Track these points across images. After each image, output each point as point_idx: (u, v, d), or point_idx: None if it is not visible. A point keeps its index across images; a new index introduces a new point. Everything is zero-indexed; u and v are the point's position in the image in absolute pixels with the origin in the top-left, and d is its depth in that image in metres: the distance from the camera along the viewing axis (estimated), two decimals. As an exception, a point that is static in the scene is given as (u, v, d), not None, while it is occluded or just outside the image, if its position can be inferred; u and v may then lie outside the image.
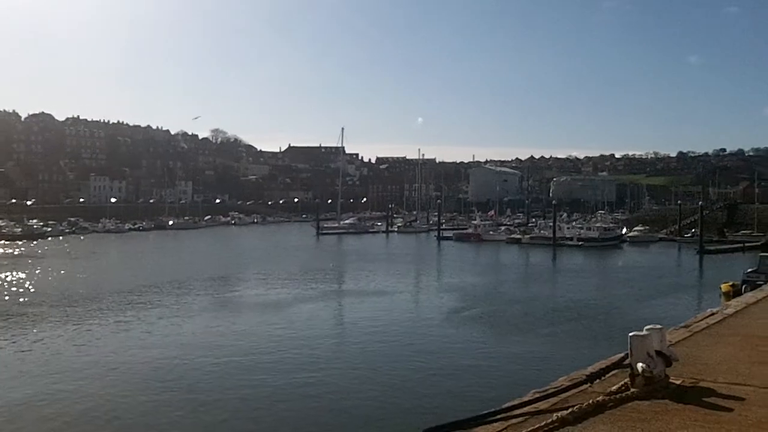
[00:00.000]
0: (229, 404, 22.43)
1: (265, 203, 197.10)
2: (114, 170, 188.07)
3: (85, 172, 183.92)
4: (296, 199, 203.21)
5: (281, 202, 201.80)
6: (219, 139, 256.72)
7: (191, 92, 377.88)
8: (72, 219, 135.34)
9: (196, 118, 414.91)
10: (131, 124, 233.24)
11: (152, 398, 23.00)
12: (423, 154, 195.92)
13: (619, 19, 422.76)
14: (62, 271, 62.21)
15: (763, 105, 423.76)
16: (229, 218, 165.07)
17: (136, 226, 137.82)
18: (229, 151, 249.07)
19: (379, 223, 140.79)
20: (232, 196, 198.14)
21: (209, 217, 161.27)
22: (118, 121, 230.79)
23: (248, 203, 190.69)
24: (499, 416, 5.13)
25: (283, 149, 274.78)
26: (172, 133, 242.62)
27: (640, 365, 5.54)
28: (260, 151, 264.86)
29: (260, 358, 28.72)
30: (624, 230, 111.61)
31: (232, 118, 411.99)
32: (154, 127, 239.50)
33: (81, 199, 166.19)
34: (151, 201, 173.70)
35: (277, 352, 29.89)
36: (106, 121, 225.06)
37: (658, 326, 5.81)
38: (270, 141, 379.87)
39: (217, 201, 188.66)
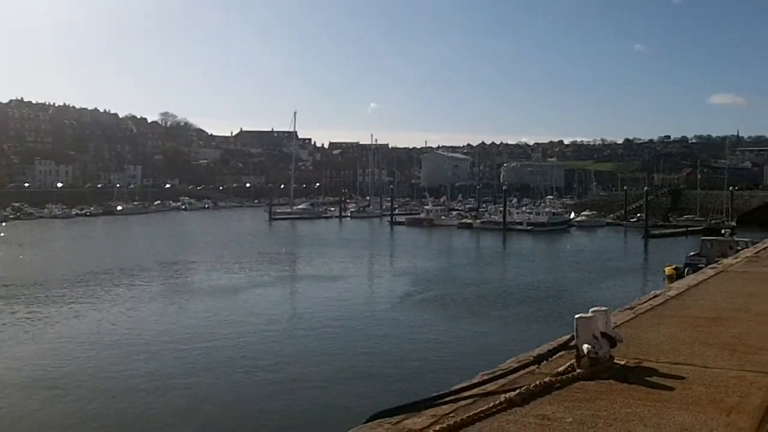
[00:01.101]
0: (181, 389, 22.31)
1: (216, 188, 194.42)
2: (60, 154, 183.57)
3: (29, 155, 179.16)
4: (248, 184, 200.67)
5: (233, 186, 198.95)
6: (168, 123, 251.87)
7: (140, 75, 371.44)
8: (16, 204, 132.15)
9: None
10: (77, 106, 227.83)
11: (102, 385, 22.75)
12: (376, 140, 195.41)
13: (568, 8, 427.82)
14: (7, 258, 60.87)
15: (706, 94, 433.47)
16: (179, 203, 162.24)
17: (84, 211, 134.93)
18: (179, 134, 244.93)
19: (333, 209, 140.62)
20: (183, 181, 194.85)
21: (159, 202, 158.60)
22: (64, 104, 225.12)
23: (199, 188, 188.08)
24: (447, 398, 5.19)
25: (234, 133, 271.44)
26: (120, 116, 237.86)
27: (585, 346, 5.67)
28: (211, 135, 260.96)
29: (212, 344, 28.60)
30: (572, 215, 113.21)
31: (182, 101, 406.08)
32: (102, 110, 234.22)
33: (26, 184, 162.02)
34: (99, 186, 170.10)
35: (230, 338, 29.78)
36: (51, 103, 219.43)
37: (603, 308, 5.95)
38: (221, 125, 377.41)
39: (167, 186, 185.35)
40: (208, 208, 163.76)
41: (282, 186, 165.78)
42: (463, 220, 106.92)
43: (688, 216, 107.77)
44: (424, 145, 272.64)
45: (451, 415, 4.85)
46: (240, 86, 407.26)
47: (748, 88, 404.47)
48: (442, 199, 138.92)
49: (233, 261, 59.56)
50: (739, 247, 34.25)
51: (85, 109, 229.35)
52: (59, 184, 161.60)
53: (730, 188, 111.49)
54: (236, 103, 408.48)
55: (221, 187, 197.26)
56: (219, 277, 49.82)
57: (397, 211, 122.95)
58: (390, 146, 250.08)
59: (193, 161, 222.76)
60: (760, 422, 4.74)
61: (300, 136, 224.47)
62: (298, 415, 20.31)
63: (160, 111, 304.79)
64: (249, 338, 29.78)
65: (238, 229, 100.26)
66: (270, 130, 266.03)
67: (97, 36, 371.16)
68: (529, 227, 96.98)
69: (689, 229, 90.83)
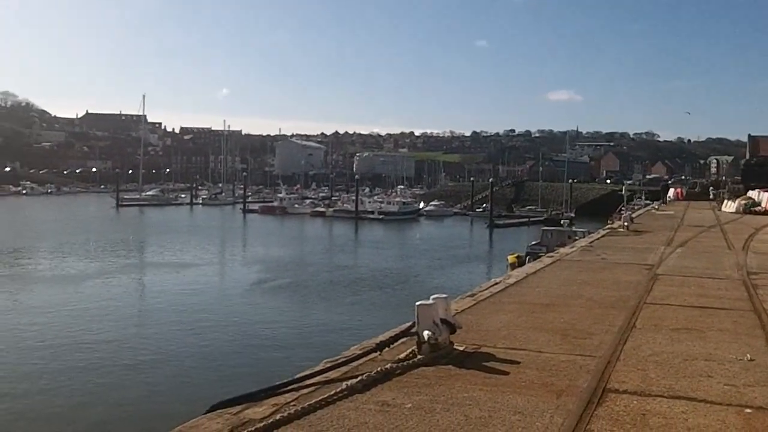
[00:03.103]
0: (18, 382, 21.18)
1: (60, 172, 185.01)
2: None
3: None
4: (94, 169, 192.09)
5: (78, 171, 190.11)
6: (8, 103, 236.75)
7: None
8: None
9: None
10: None
11: None
12: (229, 126, 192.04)
13: (415, 2, 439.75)
14: None
15: (545, 90, 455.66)
16: (20, 188, 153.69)
17: None
18: (19, 115, 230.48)
19: (183, 196, 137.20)
20: (24, 165, 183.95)
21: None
22: None
23: (41, 172, 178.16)
24: (290, 387, 5.18)
25: (80, 115, 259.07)
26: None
27: (426, 333, 5.79)
28: (55, 116, 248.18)
29: (52, 335, 27.21)
30: (421, 204, 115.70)
31: (23, 80, 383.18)
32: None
33: None
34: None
35: (71, 329, 28.42)
36: None
37: (444, 295, 6.10)
38: (66, 107, 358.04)
39: (7, 169, 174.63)
40: (50, 193, 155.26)
41: (130, 171, 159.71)
42: (316, 209, 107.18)
43: (530, 207, 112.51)
44: (278, 133, 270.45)
45: (293, 403, 4.84)
46: (87, 67, 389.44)
47: (583, 86, 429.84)
48: (295, 188, 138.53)
49: (77, 248, 56.79)
50: (576, 237, 36.03)
51: None
52: None
53: (570, 181, 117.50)
54: (82, 84, 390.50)
55: (65, 172, 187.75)
56: (61, 265, 47.35)
57: (249, 199, 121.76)
58: (243, 133, 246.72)
59: (35, 144, 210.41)
60: (587, 404, 5.01)
61: (150, 120, 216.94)
62: (138, 407, 19.65)
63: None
64: (91, 328, 28.53)
65: (83, 216, 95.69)
66: (118, 112, 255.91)
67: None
68: (381, 216, 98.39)
69: (531, 219, 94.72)
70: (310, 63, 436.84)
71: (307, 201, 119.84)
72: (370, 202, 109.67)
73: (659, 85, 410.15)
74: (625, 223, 24.51)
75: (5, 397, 20.26)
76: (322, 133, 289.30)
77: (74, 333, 27.76)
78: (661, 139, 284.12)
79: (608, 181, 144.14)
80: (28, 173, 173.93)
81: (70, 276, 43.03)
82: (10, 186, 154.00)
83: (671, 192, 69.71)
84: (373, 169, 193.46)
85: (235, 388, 6.03)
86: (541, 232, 52.94)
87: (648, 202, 61.61)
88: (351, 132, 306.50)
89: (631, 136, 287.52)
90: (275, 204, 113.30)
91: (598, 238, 21.32)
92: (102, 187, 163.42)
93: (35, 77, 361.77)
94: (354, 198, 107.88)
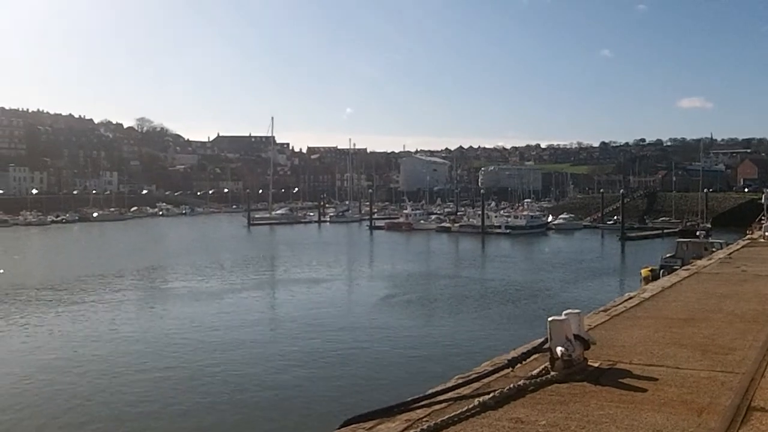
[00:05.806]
0: (159, 395, 22.14)
1: (193, 194, 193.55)
2: (34, 160, 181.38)
3: (3, 162, 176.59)
4: (226, 190, 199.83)
5: (211, 192, 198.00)
6: (144, 128, 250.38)
7: (115, 80, 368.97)
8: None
9: None
10: (52, 112, 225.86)
11: (81, 394, 22.50)
12: (354, 144, 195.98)
13: (535, 13, 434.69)
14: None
15: (674, 98, 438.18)
16: (156, 209, 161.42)
17: (59, 218, 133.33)
18: (155, 140, 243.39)
19: (311, 213, 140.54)
20: (160, 187, 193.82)
21: (136, 208, 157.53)
22: (38, 110, 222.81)
23: (176, 194, 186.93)
24: (422, 403, 5.21)
25: (211, 138, 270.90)
26: (96, 122, 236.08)
27: (559, 349, 5.70)
28: (188, 140, 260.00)
29: (189, 349, 28.38)
30: (550, 218, 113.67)
31: (157, 106, 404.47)
32: (76, 115, 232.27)
33: (0, 191, 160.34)
34: (75, 192, 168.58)
35: (207, 342, 29.57)
36: (24, 109, 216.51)
37: (576, 311, 5.99)
38: (198, 130, 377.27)
39: (144, 192, 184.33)
40: (185, 214, 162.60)
41: (260, 191, 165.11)
42: (442, 224, 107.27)
43: (663, 218, 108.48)
44: (402, 149, 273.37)
45: (425, 419, 4.87)
46: (217, 91, 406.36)
47: (714, 92, 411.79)
48: (421, 204, 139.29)
49: (212, 266, 59.21)
50: (713, 249, 34.51)
51: (60, 114, 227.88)
52: (34, 191, 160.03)
53: (705, 190, 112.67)
54: (213, 107, 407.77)
55: (198, 193, 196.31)
56: (198, 283, 49.49)
57: (375, 216, 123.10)
58: (368, 150, 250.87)
59: (169, 167, 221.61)
60: (731, 422, 4.79)
61: (278, 141, 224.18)
62: (273, 421, 20.17)
63: (135, 116, 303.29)
64: (227, 342, 29.59)
65: (217, 235, 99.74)
66: (247, 135, 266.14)
67: (72, 42, 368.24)
68: (508, 230, 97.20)
69: (665, 230, 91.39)
70: (432, 78, 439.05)
71: (433, 216, 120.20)
72: (496, 216, 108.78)
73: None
74: (766, 233, 23.27)
75: (145, 406, 21.28)
76: (446, 149, 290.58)
77: (210, 347, 28.85)
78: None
79: (746, 189, 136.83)
80: (163, 195, 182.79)
81: (208, 292, 44.86)
82: (147, 207, 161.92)
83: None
84: (499, 182, 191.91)
85: (368, 404, 6.12)
86: (675, 244, 50.89)
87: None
88: (475, 146, 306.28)
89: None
90: (401, 220, 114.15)
91: (737, 250, 20.34)
92: (234, 207, 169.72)
93: (169, 103, 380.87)
94: (480, 212, 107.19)
